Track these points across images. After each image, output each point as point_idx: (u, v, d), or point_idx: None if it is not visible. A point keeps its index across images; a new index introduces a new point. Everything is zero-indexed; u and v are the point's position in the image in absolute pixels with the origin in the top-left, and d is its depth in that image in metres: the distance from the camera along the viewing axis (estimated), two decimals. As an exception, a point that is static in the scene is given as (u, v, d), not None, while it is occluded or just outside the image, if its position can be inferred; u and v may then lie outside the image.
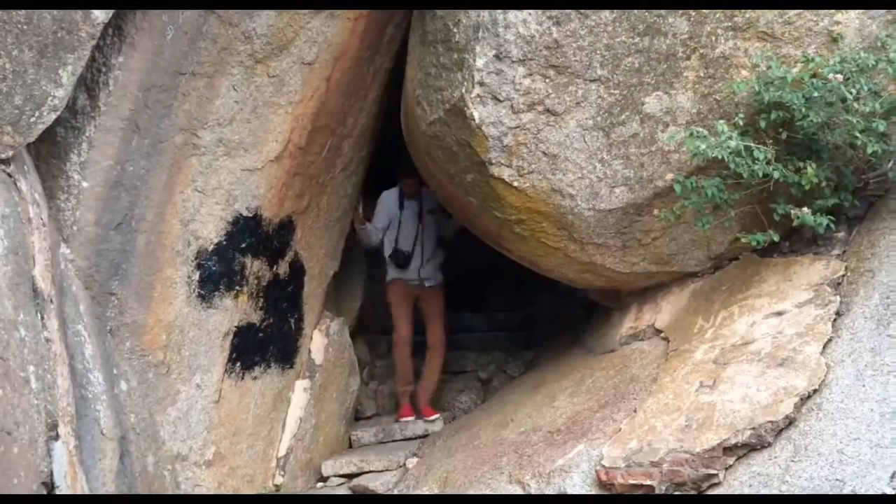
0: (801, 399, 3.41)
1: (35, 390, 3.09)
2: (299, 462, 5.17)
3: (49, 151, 3.80)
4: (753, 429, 3.39)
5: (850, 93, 3.76)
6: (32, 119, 3.34)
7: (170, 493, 4.18)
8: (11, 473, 2.84)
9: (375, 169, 5.96)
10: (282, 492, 4.93)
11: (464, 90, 4.15)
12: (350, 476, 5.18)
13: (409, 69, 4.74)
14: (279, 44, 4.44)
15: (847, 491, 2.97)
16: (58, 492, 3.11)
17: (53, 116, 3.42)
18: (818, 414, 3.33)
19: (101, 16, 3.45)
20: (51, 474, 3.08)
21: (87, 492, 3.38)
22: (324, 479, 5.28)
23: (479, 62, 4.08)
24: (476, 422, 5.13)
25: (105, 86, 3.87)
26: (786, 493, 3.12)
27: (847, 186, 4.10)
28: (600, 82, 4.15)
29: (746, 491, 3.25)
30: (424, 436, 5.58)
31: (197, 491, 4.38)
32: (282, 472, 4.98)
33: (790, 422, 3.36)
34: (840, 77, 3.76)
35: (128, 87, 3.93)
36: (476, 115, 4.15)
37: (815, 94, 3.81)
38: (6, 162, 3.32)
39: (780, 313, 3.97)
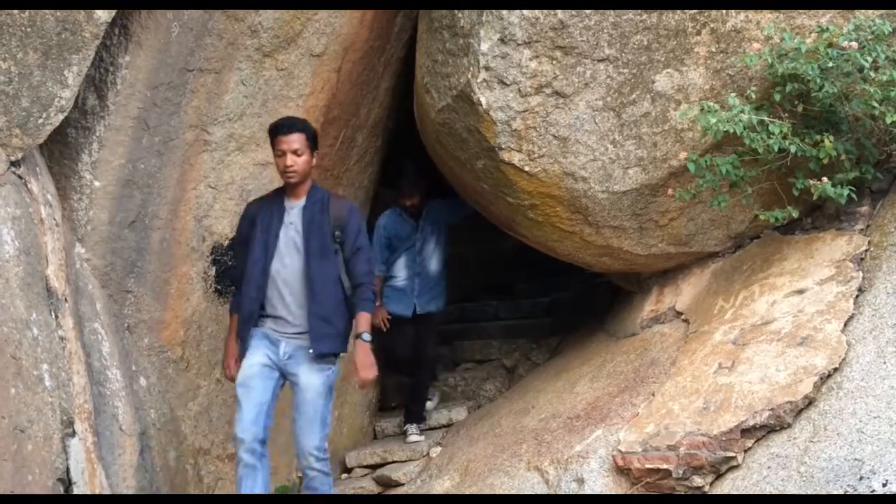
0: (821, 378, 3.34)
1: (49, 388, 3.14)
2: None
3: (61, 152, 3.85)
4: (772, 410, 3.32)
5: (867, 61, 3.64)
6: (40, 121, 3.38)
7: (192, 486, 4.23)
8: (26, 471, 2.89)
9: (391, 159, 5.93)
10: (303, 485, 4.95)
11: (470, 75, 4.11)
12: (374, 467, 5.18)
13: (418, 57, 4.71)
14: (287, 37, 4.43)
15: (866, 471, 2.89)
16: (75, 488, 3.16)
17: (61, 117, 3.45)
18: (838, 393, 3.25)
19: (103, 15, 3.47)
20: (67, 471, 3.13)
21: (106, 487, 3.43)
22: (348, 471, 5.29)
23: (484, 46, 4.04)
24: (498, 409, 5.10)
25: (113, 85, 3.90)
26: (804, 475, 3.05)
27: (868, 159, 3.99)
28: (609, 62, 4.08)
29: (765, 473, 3.19)
30: (448, 425, 5.56)
31: (220, 484, 4.42)
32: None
33: (809, 402, 3.29)
34: (855, 45, 3.65)
35: (136, 85, 3.95)
36: (483, 100, 4.10)
37: (831, 64, 3.70)
38: (17, 164, 3.37)
39: (801, 291, 3.89)
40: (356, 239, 3.84)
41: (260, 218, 3.86)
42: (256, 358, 3.74)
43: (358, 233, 3.86)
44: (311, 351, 3.71)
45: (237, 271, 3.99)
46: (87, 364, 3.58)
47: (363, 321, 3.80)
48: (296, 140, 3.76)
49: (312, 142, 3.85)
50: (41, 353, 3.14)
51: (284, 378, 3.81)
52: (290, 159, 3.74)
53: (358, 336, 3.79)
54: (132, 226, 4.06)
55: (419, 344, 5.59)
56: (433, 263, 5.60)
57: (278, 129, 3.80)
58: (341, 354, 3.91)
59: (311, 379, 3.74)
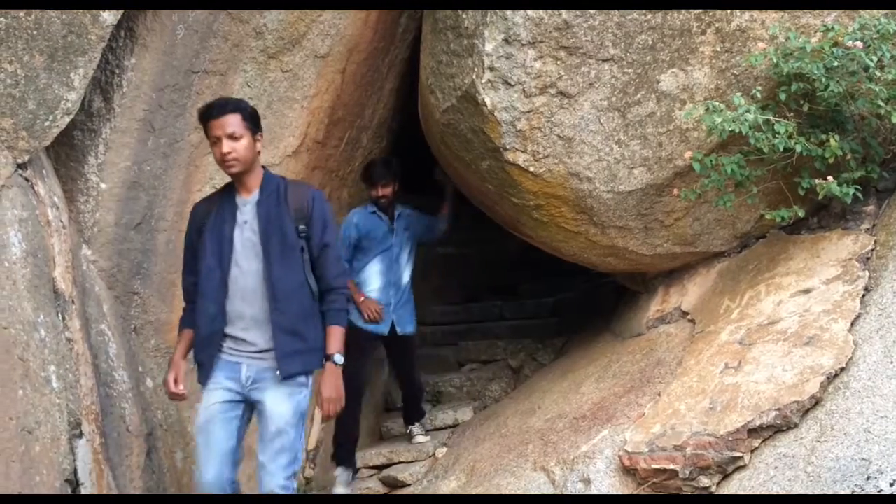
0: (828, 378, 3.33)
1: (56, 390, 3.15)
2: (329, 455, 5.19)
3: (67, 155, 3.86)
4: (779, 410, 3.31)
5: (872, 60, 3.63)
6: (46, 123, 3.38)
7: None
8: (33, 472, 2.89)
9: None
10: (312, 484, 4.96)
11: (474, 76, 4.11)
12: (380, 467, 5.19)
13: (422, 58, 4.71)
14: (291, 38, 4.44)
15: (873, 470, 2.88)
16: (82, 489, 3.16)
17: (67, 120, 3.46)
18: (845, 393, 3.24)
19: (109, 17, 3.48)
20: (74, 472, 3.14)
21: (113, 488, 3.44)
22: (354, 471, 5.29)
23: (489, 47, 4.04)
24: (504, 410, 5.10)
25: (119, 87, 3.91)
26: (811, 475, 3.04)
27: (874, 158, 3.98)
28: (613, 62, 4.08)
29: (772, 473, 3.18)
30: (454, 425, 5.57)
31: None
32: (312, 465, 5.01)
33: (816, 401, 3.28)
34: (861, 45, 3.64)
35: (141, 87, 3.97)
36: (488, 100, 4.10)
37: (836, 63, 3.70)
38: (23, 166, 3.37)
39: (807, 291, 3.88)
40: (323, 233, 3.24)
41: (209, 222, 3.28)
42: (215, 396, 3.20)
43: (324, 226, 3.25)
44: (277, 373, 3.15)
45: (188, 286, 3.40)
46: (95, 365, 3.58)
47: (334, 338, 3.19)
48: (231, 122, 3.15)
49: (252, 122, 3.24)
50: (49, 354, 3.15)
51: (252, 407, 3.26)
52: (227, 145, 3.14)
53: (327, 358, 3.18)
54: (138, 227, 4.07)
55: (402, 372, 5.20)
56: (406, 276, 5.06)
57: (209, 113, 3.20)
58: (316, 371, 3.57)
59: (278, 407, 3.16)
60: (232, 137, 3.15)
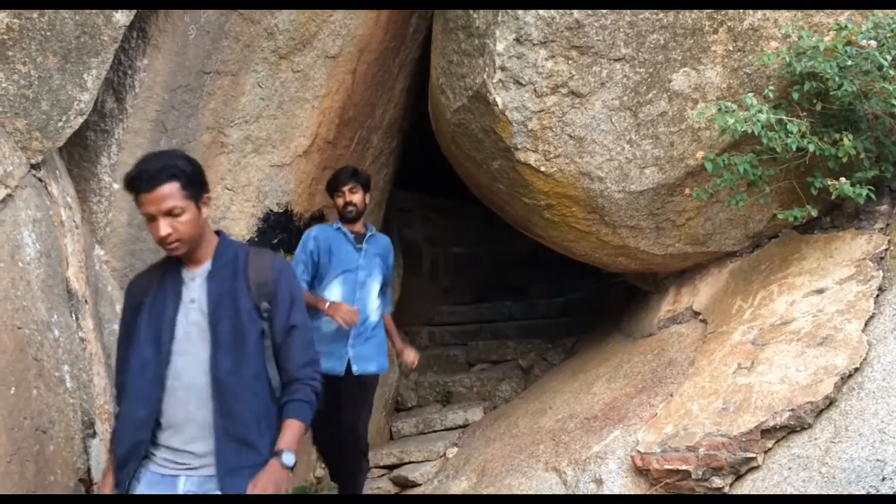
0: (842, 378, 3.31)
1: (70, 389, 3.16)
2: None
3: (80, 155, 3.87)
4: (792, 410, 3.30)
5: (886, 59, 3.62)
6: (60, 124, 3.40)
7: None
8: (47, 471, 2.90)
9: (406, 160, 5.95)
10: (322, 484, 4.97)
11: (486, 76, 4.10)
12: (390, 467, 5.19)
13: (433, 57, 4.71)
14: (302, 38, 4.44)
15: (888, 471, 2.86)
16: (96, 489, 3.17)
17: (80, 120, 3.47)
18: (859, 393, 3.22)
19: (122, 18, 3.49)
20: (88, 471, 3.15)
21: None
22: (365, 471, 5.30)
23: (500, 46, 4.03)
24: (515, 410, 5.10)
25: (131, 88, 3.93)
26: (826, 476, 3.03)
27: (888, 157, 3.96)
28: (625, 61, 4.07)
29: (786, 474, 3.16)
30: (465, 426, 5.57)
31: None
32: (322, 465, 5.01)
33: (830, 402, 3.26)
34: (874, 43, 3.63)
35: (154, 88, 3.98)
36: (499, 100, 4.10)
37: (849, 62, 3.68)
38: (37, 167, 3.39)
39: (820, 291, 3.86)
40: (290, 313, 2.57)
41: (147, 301, 2.55)
42: None
43: (291, 303, 2.58)
44: (218, 492, 2.41)
45: (118, 382, 2.60)
46: (108, 365, 3.60)
47: (289, 432, 2.47)
48: (166, 195, 2.40)
49: (194, 187, 2.47)
50: (62, 354, 3.17)
51: None
52: (165, 226, 2.40)
53: (275, 454, 2.42)
54: (150, 228, 4.08)
55: (348, 417, 4.12)
56: (373, 307, 4.23)
57: (136, 185, 2.42)
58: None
59: None
60: (170, 214, 2.42)
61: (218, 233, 2.63)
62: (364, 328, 4.14)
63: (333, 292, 4.13)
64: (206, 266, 2.56)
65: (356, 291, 4.15)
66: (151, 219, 2.43)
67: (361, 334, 4.13)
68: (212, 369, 2.46)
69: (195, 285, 2.55)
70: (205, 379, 2.46)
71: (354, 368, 4.09)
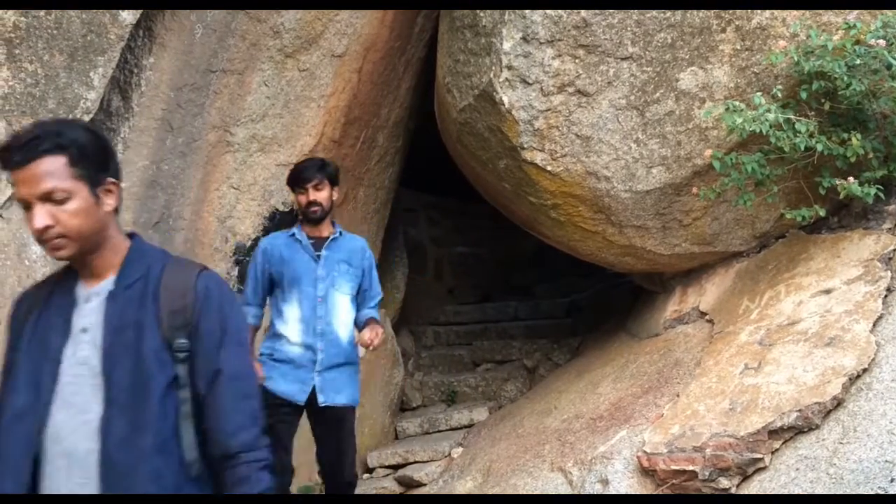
0: (850, 379, 3.29)
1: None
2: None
3: (86, 154, 3.87)
4: (800, 411, 3.28)
5: (895, 58, 3.60)
6: (66, 122, 3.40)
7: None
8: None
9: (412, 159, 5.94)
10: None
11: (492, 74, 4.09)
12: (395, 467, 5.18)
13: (439, 56, 4.71)
14: (308, 37, 4.45)
15: (898, 473, 2.85)
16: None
17: (87, 119, 3.47)
18: (867, 394, 3.20)
19: (128, 17, 3.50)
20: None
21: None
22: (369, 471, 5.30)
23: (507, 45, 4.02)
24: (520, 410, 5.08)
25: (137, 87, 3.93)
26: (833, 477, 3.01)
27: (896, 157, 3.94)
28: (632, 60, 4.05)
29: (793, 475, 3.15)
30: (470, 425, 5.55)
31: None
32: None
33: (838, 403, 3.24)
34: (883, 42, 3.61)
35: (160, 87, 3.98)
36: (505, 99, 4.09)
37: (858, 61, 3.66)
38: (43, 165, 3.39)
39: (828, 291, 3.84)
40: (218, 351, 1.77)
41: (30, 325, 1.79)
42: None
43: (222, 336, 1.78)
44: None
45: None
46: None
47: None
48: (45, 172, 1.68)
49: (89, 166, 1.73)
50: (68, 352, 3.15)
51: None
52: (41, 216, 1.68)
53: None
54: (156, 226, 4.08)
55: (327, 457, 3.68)
56: (342, 325, 3.61)
57: (5, 157, 1.70)
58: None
59: None
60: (50, 199, 1.69)
61: (132, 236, 1.87)
62: (335, 350, 3.56)
63: (291, 312, 3.55)
64: (107, 282, 1.78)
65: (316, 309, 3.54)
66: (27, 207, 1.71)
67: (328, 358, 3.54)
68: (101, 434, 1.68)
69: (90, 308, 1.77)
70: (91, 445, 1.68)
71: (320, 399, 3.50)
